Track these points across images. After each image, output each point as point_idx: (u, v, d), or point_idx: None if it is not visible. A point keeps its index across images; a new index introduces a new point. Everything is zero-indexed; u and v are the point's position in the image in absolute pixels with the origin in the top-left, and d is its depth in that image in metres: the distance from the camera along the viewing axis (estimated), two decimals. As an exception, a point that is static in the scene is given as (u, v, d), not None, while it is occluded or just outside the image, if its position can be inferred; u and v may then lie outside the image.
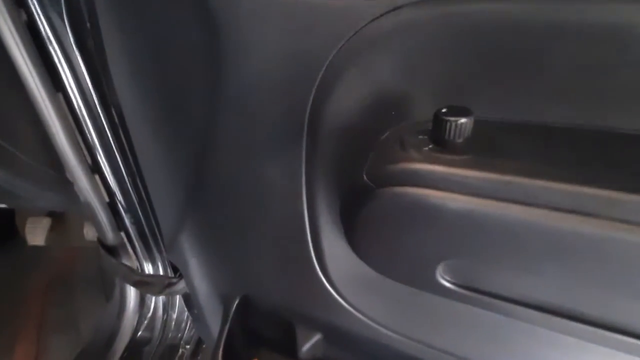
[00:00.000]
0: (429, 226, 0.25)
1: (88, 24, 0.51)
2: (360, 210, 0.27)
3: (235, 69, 0.33)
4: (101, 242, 0.75)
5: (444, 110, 0.24)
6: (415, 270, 0.29)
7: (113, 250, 0.76)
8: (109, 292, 0.83)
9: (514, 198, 0.22)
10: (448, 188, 0.23)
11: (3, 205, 0.82)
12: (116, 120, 0.65)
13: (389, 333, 0.42)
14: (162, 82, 0.44)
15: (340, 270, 0.40)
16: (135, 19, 0.39)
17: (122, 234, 0.76)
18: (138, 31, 0.40)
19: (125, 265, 0.71)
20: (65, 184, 0.69)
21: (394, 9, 0.24)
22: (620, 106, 0.24)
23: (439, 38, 0.25)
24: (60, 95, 0.60)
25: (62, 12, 0.54)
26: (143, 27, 0.39)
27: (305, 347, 0.56)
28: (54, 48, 0.56)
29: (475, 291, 0.29)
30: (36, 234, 0.92)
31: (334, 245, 0.38)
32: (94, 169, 0.69)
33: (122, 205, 0.74)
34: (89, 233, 0.87)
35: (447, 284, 0.29)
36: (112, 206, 0.73)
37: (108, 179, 0.70)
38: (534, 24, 0.23)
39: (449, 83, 0.27)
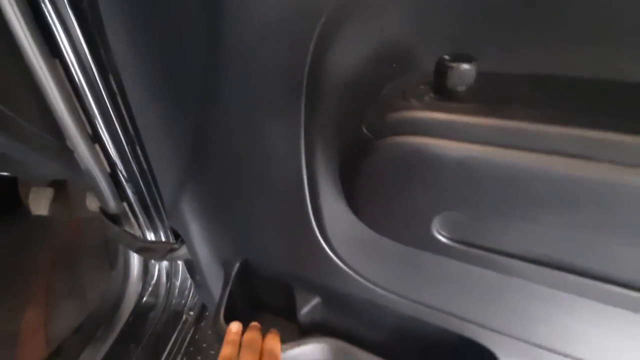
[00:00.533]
0: (428, 175, 0.25)
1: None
2: (359, 162, 0.27)
3: (234, 23, 0.32)
4: (104, 211, 0.76)
5: (446, 57, 0.23)
6: (412, 225, 0.29)
7: (115, 219, 0.77)
8: (113, 261, 0.84)
9: (515, 144, 0.21)
10: (448, 136, 0.23)
11: (5, 173, 0.83)
12: (114, 88, 0.65)
13: (386, 294, 0.43)
14: (161, 42, 0.43)
15: (338, 232, 0.40)
16: None
17: (124, 203, 0.77)
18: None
19: (128, 233, 0.72)
20: (66, 152, 0.69)
21: None
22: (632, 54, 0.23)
23: None
24: (57, 61, 0.59)
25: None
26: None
27: (304, 310, 0.57)
28: (48, 11, 0.55)
29: (471, 246, 0.29)
30: (39, 204, 0.92)
31: (332, 206, 0.38)
32: (94, 138, 0.69)
33: (123, 175, 0.74)
34: (92, 204, 0.87)
35: (443, 239, 0.29)
36: (113, 176, 0.74)
37: (108, 148, 0.70)
38: None
39: (456, 33, 0.26)
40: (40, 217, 0.99)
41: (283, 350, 0.50)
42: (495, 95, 0.24)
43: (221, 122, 0.41)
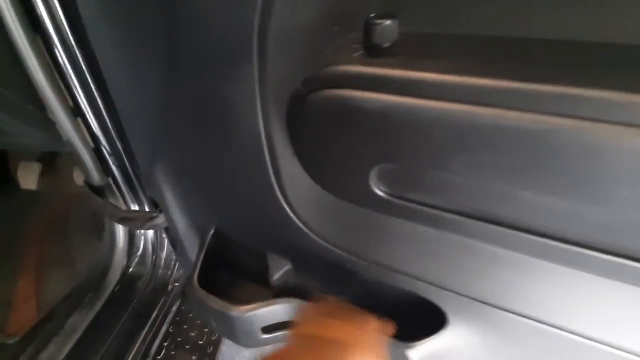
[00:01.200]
0: (357, 127, 0.26)
1: None
2: (296, 118, 0.29)
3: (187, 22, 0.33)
4: (89, 184, 0.78)
5: (372, 15, 0.24)
6: (351, 180, 0.31)
7: (100, 192, 0.79)
8: (100, 232, 0.87)
9: (429, 95, 0.23)
10: (371, 88, 0.24)
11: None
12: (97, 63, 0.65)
13: (344, 254, 0.45)
14: (125, 9, 0.44)
15: (298, 193, 0.42)
16: None
17: (108, 176, 0.79)
18: None
19: (110, 204, 0.74)
20: (49, 123, 0.70)
21: None
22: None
23: None
24: (39, 36, 0.60)
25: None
26: None
27: (277, 276, 0.60)
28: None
29: (408, 201, 0.31)
30: (28, 178, 0.95)
31: (291, 167, 0.40)
32: (76, 112, 0.70)
33: (106, 149, 0.76)
34: (79, 178, 0.90)
35: (382, 194, 0.31)
36: (96, 150, 0.75)
37: (91, 122, 0.72)
38: None
39: None
40: (30, 191, 1.01)
41: (254, 309, 0.53)
42: (416, 51, 0.25)
43: (183, 88, 0.43)
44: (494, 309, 0.40)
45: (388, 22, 0.24)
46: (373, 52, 0.25)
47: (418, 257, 0.39)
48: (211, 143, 0.45)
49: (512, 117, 0.21)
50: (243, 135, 0.40)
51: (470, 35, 0.26)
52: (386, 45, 0.25)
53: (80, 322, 0.78)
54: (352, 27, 0.30)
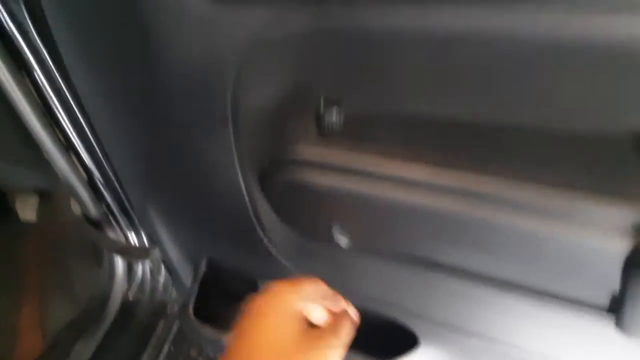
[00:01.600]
0: (312, 200, 0.30)
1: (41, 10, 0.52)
2: (265, 188, 0.32)
3: (164, 61, 0.36)
4: (86, 216, 0.81)
5: (321, 101, 0.28)
6: (318, 233, 0.35)
7: (98, 223, 0.82)
8: (99, 259, 0.90)
9: (372, 175, 0.27)
10: (324, 169, 0.28)
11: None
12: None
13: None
14: (110, 61, 0.47)
15: (278, 235, 0.46)
16: (81, 12, 0.42)
17: (104, 207, 0.82)
18: (85, 23, 0.43)
19: (107, 237, 0.77)
20: (43, 162, 0.73)
21: (276, 23, 0.28)
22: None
23: (319, 46, 0.29)
24: (24, 73, 0.63)
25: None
26: (89, 19, 0.42)
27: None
28: (10, 28, 0.58)
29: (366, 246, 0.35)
30: (27, 210, 0.98)
31: (269, 214, 0.43)
32: (68, 146, 0.73)
33: (100, 181, 0.79)
34: (76, 207, 0.93)
35: (345, 244, 0.35)
36: (91, 183, 0.78)
37: (83, 156, 0.75)
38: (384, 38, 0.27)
39: (337, 82, 0.31)
40: (28, 222, 1.04)
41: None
42: (356, 134, 0.29)
43: (168, 138, 0.46)
44: (462, 332, 0.44)
45: (334, 109, 0.27)
46: (323, 134, 0.29)
47: (389, 285, 0.43)
48: (197, 188, 0.48)
49: (433, 198, 0.26)
50: (225, 185, 0.44)
51: (409, 116, 0.29)
52: (334, 128, 0.28)
53: (84, 349, 0.81)
54: (308, 108, 0.34)
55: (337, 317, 0.36)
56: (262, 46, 0.30)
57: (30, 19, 0.56)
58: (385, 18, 0.25)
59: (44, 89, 0.64)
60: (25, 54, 0.60)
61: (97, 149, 0.73)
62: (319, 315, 0.37)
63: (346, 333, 0.36)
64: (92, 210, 0.80)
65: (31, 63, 0.61)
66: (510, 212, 0.26)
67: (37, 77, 0.63)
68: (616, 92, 0.24)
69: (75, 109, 0.67)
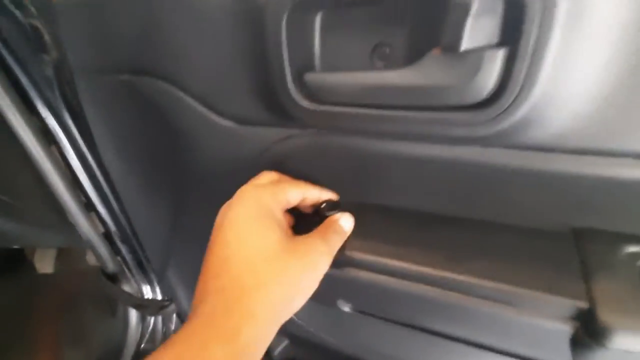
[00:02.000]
0: None
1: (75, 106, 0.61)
2: None
3: (191, 160, 0.44)
4: (102, 269, 0.87)
5: (322, 206, 0.36)
6: (324, 302, 0.41)
7: (113, 276, 0.88)
8: (113, 310, 0.95)
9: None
10: None
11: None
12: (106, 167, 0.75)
13: (325, 337, 0.54)
14: (140, 153, 0.55)
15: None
16: (117, 114, 0.50)
17: (120, 261, 0.87)
18: (119, 123, 0.51)
19: (123, 291, 0.82)
20: (66, 224, 0.80)
21: (286, 138, 0.36)
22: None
23: (318, 157, 0.37)
24: (54, 148, 0.70)
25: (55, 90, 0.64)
26: (124, 121, 0.50)
27: (277, 350, 0.68)
28: (46, 115, 0.66)
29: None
30: (45, 262, 1.03)
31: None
32: (89, 206, 0.80)
33: (118, 237, 0.85)
34: (92, 258, 0.98)
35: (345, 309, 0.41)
36: (109, 238, 0.84)
37: (103, 215, 0.81)
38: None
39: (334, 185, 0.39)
40: (45, 274, 1.09)
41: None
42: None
43: (191, 214, 0.53)
44: None
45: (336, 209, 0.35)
46: None
47: (386, 340, 0.48)
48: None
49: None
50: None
51: (394, 209, 0.37)
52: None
53: (99, 400, 0.84)
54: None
55: (326, 222, 0.35)
56: (274, 155, 0.38)
57: (66, 108, 0.65)
58: (362, 143, 0.33)
59: (69, 157, 0.72)
60: (52, 126, 0.68)
61: (117, 209, 0.80)
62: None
63: (336, 240, 0.34)
64: (110, 265, 0.85)
65: (58, 134, 0.69)
66: (475, 299, 0.32)
67: (64, 148, 0.71)
68: (558, 195, 0.31)
69: (100, 176, 0.75)
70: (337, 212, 0.36)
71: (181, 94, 0.41)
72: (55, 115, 0.68)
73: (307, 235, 0.32)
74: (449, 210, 0.35)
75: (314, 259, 0.31)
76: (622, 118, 0.24)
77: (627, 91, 0.24)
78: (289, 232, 0.33)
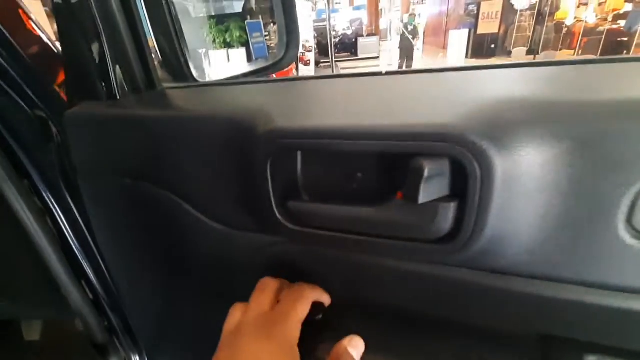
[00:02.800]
0: None
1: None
2: None
3: (188, 258, 0.46)
4: (92, 341, 0.85)
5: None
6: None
7: (102, 346, 0.86)
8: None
9: None
10: None
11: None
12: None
13: None
14: (137, 238, 0.57)
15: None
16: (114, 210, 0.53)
17: (110, 329, 0.86)
18: (117, 215, 0.54)
19: (112, 363, 0.80)
20: (58, 297, 0.80)
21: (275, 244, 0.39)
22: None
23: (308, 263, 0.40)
24: (48, 219, 0.72)
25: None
26: (123, 218, 0.53)
27: None
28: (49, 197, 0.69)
29: None
30: (32, 330, 1.01)
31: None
32: (80, 274, 0.80)
33: (108, 305, 0.84)
34: (79, 324, 0.96)
35: None
36: (98, 306, 0.84)
37: (94, 282, 0.81)
38: None
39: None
40: (32, 342, 1.06)
41: None
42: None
43: (185, 297, 0.54)
44: None
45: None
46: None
47: None
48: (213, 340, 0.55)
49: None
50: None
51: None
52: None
53: None
54: None
55: (336, 350, 0.35)
56: (267, 258, 0.41)
57: (65, 184, 0.68)
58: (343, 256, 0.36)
59: (64, 229, 0.74)
60: (48, 198, 0.70)
61: (109, 277, 0.80)
62: None
63: None
64: (99, 334, 0.84)
65: (53, 206, 0.71)
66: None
67: (60, 222, 0.73)
68: (527, 304, 0.33)
69: (94, 248, 0.76)
70: (320, 316, 0.38)
71: (179, 200, 0.44)
72: (52, 188, 0.70)
73: None
74: (426, 312, 0.37)
75: None
76: (559, 254, 0.28)
77: (561, 234, 0.27)
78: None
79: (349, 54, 14.90)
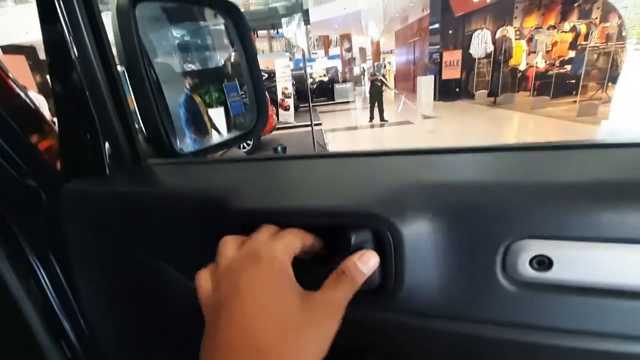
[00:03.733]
0: None
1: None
2: None
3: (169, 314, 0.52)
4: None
5: None
6: None
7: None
8: None
9: None
10: None
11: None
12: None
13: None
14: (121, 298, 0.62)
15: None
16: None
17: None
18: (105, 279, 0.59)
19: None
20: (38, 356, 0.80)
21: None
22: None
23: None
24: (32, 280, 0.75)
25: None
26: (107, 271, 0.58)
27: None
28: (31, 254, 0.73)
29: None
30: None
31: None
32: (59, 334, 0.81)
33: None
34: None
35: None
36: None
37: (74, 342, 0.83)
38: None
39: None
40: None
41: None
42: None
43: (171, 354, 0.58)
44: None
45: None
46: None
47: None
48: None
49: None
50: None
51: None
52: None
53: None
54: None
55: (336, 274, 0.34)
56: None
57: (52, 253, 0.72)
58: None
59: (48, 293, 0.76)
60: (41, 272, 0.74)
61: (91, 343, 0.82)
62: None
63: (347, 290, 0.33)
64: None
65: (43, 278, 0.74)
66: None
67: (43, 284, 0.76)
68: (447, 342, 0.41)
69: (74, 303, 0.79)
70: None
71: (161, 263, 0.51)
72: (38, 252, 0.75)
73: (322, 293, 0.32)
74: (367, 352, 0.44)
75: (336, 316, 0.31)
76: (459, 297, 0.37)
77: (457, 283, 0.37)
78: (300, 288, 0.32)
79: (326, 98, 15.72)
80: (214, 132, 1.25)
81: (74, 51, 0.56)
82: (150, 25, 0.90)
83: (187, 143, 1.14)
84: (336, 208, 0.38)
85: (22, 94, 0.70)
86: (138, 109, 0.72)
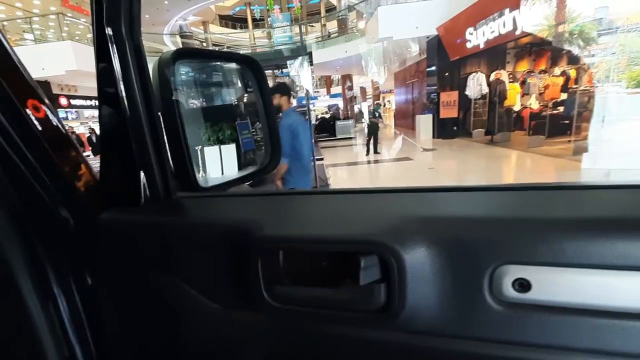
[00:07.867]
0: None
1: (89, 280, 0.74)
2: None
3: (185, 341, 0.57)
4: None
5: None
6: None
7: None
8: None
9: None
10: None
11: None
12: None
13: None
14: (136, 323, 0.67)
15: None
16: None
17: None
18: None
19: None
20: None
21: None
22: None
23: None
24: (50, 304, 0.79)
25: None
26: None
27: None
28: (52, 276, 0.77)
29: None
30: None
31: None
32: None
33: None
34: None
35: None
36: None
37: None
38: None
39: None
40: None
41: None
42: None
43: None
44: None
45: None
46: None
47: None
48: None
49: None
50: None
51: None
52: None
53: None
54: None
55: None
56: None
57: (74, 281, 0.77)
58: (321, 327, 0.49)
59: (64, 318, 0.80)
60: (61, 299, 0.78)
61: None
62: None
63: None
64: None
65: (62, 304, 0.78)
66: None
67: (61, 310, 0.80)
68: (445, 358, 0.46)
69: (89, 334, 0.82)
70: None
71: (185, 285, 0.57)
72: (61, 279, 0.79)
73: None
74: None
75: None
76: (456, 316, 0.43)
77: (453, 304, 0.43)
78: None
79: (327, 134, 16.18)
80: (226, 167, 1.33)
81: (122, 89, 0.64)
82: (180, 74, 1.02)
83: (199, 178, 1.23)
84: (348, 237, 0.46)
85: (60, 125, 0.76)
86: (170, 148, 0.80)
